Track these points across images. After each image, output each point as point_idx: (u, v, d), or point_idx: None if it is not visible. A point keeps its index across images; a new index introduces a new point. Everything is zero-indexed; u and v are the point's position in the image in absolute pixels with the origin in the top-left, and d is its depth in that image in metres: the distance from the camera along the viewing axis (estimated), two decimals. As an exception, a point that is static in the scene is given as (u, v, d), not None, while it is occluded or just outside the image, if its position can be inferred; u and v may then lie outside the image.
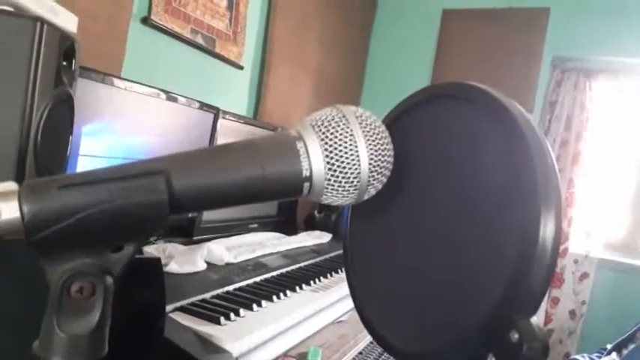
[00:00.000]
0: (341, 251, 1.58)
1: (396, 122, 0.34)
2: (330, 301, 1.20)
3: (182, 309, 0.92)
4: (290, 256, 1.47)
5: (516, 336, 0.26)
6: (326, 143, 0.33)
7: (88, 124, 1.05)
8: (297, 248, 1.59)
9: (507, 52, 2.55)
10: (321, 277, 1.31)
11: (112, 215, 0.27)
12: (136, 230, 0.29)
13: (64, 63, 0.70)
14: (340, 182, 0.33)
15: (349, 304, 1.28)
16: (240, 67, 1.87)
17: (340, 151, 0.33)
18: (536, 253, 0.26)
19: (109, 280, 0.29)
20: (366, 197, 0.34)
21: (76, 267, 0.27)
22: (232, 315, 0.92)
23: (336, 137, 0.33)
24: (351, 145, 0.33)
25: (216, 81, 1.80)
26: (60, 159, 0.73)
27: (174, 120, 1.32)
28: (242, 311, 0.95)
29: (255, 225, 1.69)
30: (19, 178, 0.61)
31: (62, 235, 0.27)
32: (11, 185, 0.27)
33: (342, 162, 0.33)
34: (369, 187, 0.34)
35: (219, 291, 1.04)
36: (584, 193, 2.39)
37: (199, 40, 1.64)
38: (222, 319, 0.89)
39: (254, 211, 1.72)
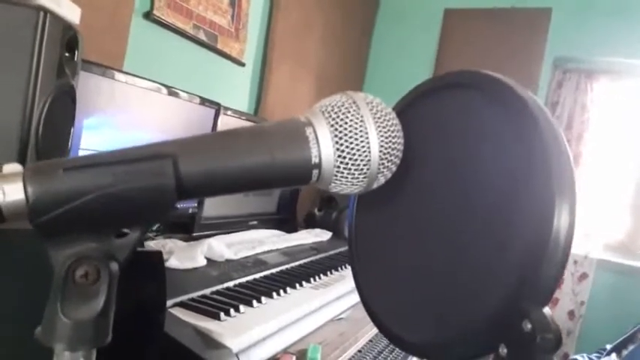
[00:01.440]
0: (341, 249, 1.59)
1: (405, 111, 0.34)
2: (329, 299, 1.20)
3: (182, 304, 0.92)
4: (290, 253, 1.47)
5: (529, 326, 0.26)
6: (336, 129, 0.32)
7: (89, 117, 1.05)
8: (296, 246, 1.58)
9: (509, 52, 2.54)
10: (321, 275, 1.31)
11: (117, 199, 0.27)
12: (141, 215, 0.29)
13: (67, 54, 0.69)
14: (350, 169, 0.32)
15: (349, 301, 1.28)
16: (242, 64, 1.87)
17: (350, 137, 0.32)
18: (550, 242, 0.26)
19: (114, 265, 0.28)
20: (375, 186, 0.34)
21: (81, 251, 0.27)
22: (232, 311, 0.91)
23: (346, 123, 0.32)
24: (361, 131, 0.32)
25: (218, 77, 1.80)
26: (61, 151, 0.72)
27: (176, 115, 1.31)
28: (242, 307, 0.94)
29: (255, 222, 1.69)
30: (20, 169, 0.60)
31: (67, 218, 0.26)
32: (16, 167, 0.27)
33: (352, 149, 0.32)
34: (379, 175, 0.33)
35: (219, 287, 1.04)
36: (585, 194, 2.39)
37: (201, 36, 1.64)
38: (222, 314, 0.89)
39: (254, 208, 1.71)
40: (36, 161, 0.64)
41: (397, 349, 1.47)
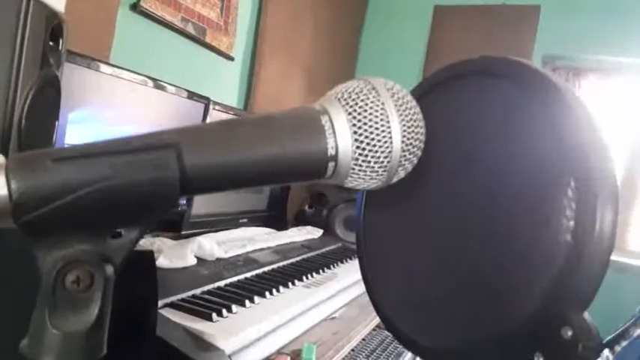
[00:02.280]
0: (332, 247, 1.56)
1: (422, 99, 0.31)
2: (322, 297, 1.18)
3: (172, 305, 0.89)
4: (281, 251, 1.44)
5: (569, 333, 0.24)
6: (354, 118, 0.29)
7: (74, 111, 1.01)
8: (287, 244, 1.56)
9: (498, 48, 2.54)
10: (313, 273, 1.29)
11: (114, 194, 0.24)
12: (141, 212, 0.26)
13: (51, 43, 0.65)
14: (369, 162, 0.29)
15: (342, 300, 1.26)
16: (231, 58, 1.83)
17: (370, 126, 0.29)
18: (593, 242, 0.24)
19: (110, 269, 0.25)
20: (394, 180, 0.31)
21: (72, 254, 0.24)
22: (224, 311, 0.88)
23: (365, 111, 0.29)
24: (382, 120, 0.29)
25: (207, 71, 1.76)
26: (45, 145, 0.69)
27: (164, 109, 1.28)
28: (234, 307, 0.92)
29: (245, 220, 1.66)
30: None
31: (56, 216, 0.23)
32: None
33: (373, 139, 0.29)
34: (400, 168, 0.30)
35: (210, 286, 1.01)
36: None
37: (190, 29, 1.60)
38: (214, 315, 0.86)
39: (244, 205, 1.68)
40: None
41: (390, 347, 1.46)
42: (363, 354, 1.38)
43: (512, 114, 0.31)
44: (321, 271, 1.33)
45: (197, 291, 0.97)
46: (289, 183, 0.31)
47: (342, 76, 2.75)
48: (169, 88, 1.27)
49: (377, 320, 1.30)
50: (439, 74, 0.37)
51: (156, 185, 0.24)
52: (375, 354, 1.41)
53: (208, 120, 1.40)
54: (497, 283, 0.29)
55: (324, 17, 2.41)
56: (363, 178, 0.30)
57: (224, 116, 1.52)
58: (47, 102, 0.66)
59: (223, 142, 0.27)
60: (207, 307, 0.89)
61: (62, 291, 0.23)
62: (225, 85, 1.89)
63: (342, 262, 1.47)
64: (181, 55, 1.62)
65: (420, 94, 0.35)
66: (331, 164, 0.29)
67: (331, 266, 1.40)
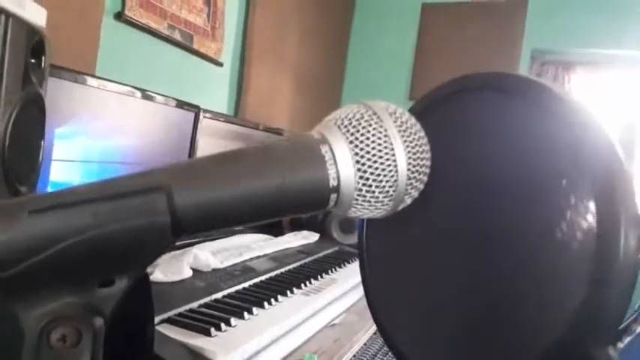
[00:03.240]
0: (329, 251, 1.55)
1: (422, 117, 0.29)
2: (322, 304, 1.16)
3: (169, 320, 0.87)
4: (278, 258, 1.43)
5: (596, 370, 0.22)
6: (356, 146, 0.27)
7: (61, 126, 0.99)
8: (284, 250, 1.54)
9: (487, 45, 2.54)
10: (312, 280, 1.27)
11: (100, 244, 0.22)
12: (130, 260, 0.24)
13: (33, 61, 0.63)
14: (373, 192, 0.28)
15: (342, 306, 1.25)
16: (220, 64, 1.81)
17: (374, 155, 0.27)
18: (617, 270, 0.22)
19: (99, 321, 0.23)
20: (400, 208, 0.29)
21: (56, 309, 0.22)
22: (223, 325, 0.87)
23: (368, 139, 0.27)
24: (386, 148, 0.28)
25: (195, 78, 1.74)
26: (31, 166, 0.66)
27: (153, 120, 1.25)
28: (233, 320, 0.90)
29: (240, 227, 1.64)
30: (-14, 189, 0.55)
31: (37, 272, 0.21)
32: None
33: (377, 168, 0.27)
34: (406, 196, 0.29)
35: (207, 299, 0.99)
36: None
37: (176, 36, 1.58)
38: (212, 329, 0.84)
39: (238, 212, 1.66)
40: (3, 179, 0.58)
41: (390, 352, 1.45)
42: (365, 359, 1.36)
43: (523, 131, 0.29)
44: (319, 276, 1.32)
45: (194, 305, 0.96)
46: (289, 216, 0.28)
47: (332, 78, 2.75)
48: (158, 98, 1.25)
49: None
50: (438, 91, 0.35)
51: (145, 232, 0.23)
52: (376, 359, 1.39)
53: (199, 128, 1.38)
54: (511, 313, 0.28)
55: (311, 19, 2.40)
56: (367, 209, 0.29)
57: (214, 124, 1.50)
58: (31, 122, 0.64)
59: (217, 178, 0.25)
60: (205, 322, 0.87)
61: (48, 350, 0.21)
62: (214, 92, 1.87)
63: (340, 267, 1.46)
64: (169, 63, 1.60)
65: (420, 111, 0.33)
66: (333, 195, 0.28)
67: (329, 271, 1.39)
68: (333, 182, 0.27)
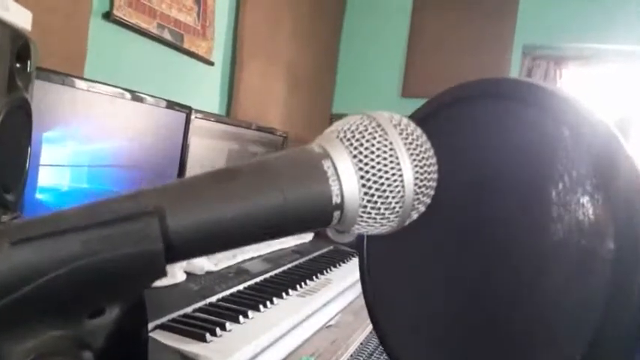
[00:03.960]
0: (323, 250, 1.54)
1: (426, 124, 0.28)
2: (318, 305, 1.16)
3: (163, 326, 0.86)
4: (272, 259, 1.42)
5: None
6: (360, 161, 0.26)
7: (49, 130, 0.97)
8: (278, 250, 1.53)
9: (479, 40, 2.54)
10: (307, 280, 1.26)
11: (90, 274, 0.21)
12: (122, 289, 0.22)
13: (18, 65, 0.62)
14: (379, 209, 0.26)
15: (337, 306, 1.24)
16: (211, 63, 1.79)
17: (379, 170, 0.26)
18: (637, 283, 0.21)
19: (87, 356, 0.21)
20: (406, 224, 0.28)
21: (41, 344, 0.20)
22: (218, 330, 0.86)
23: (372, 153, 0.26)
24: (392, 162, 0.26)
25: (186, 78, 1.72)
26: (17, 173, 0.65)
27: (144, 122, 1.24)
28: (228, 325, 0.89)
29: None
30: (-29, 199, 0.53)
31: (21, 306, 0.20)
32: None
33: (382, 184, 0.26)
34: (412, 212, 0.27)
35: (201, 304, 0.98)
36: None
37: (166, 35, 1.55)
38: (207, 335, 0.83)
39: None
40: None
41: (387, 350, 1.45)
42: (361, 359, 1.36)
43: (530, 138, 0.28)
44: (314, 277, 1.31)
45: (188, 309, 0.94)
46: (290, 235, 0.27)
47: (324, 76, 2.73)
48: (148, 99, 1.23)
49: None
50: (441, 97, 0.34)
51: (137, 260, 0.21)
52: (373, 357, 1.39)
53: (191, 129, 1.37)
54: (524, 335, 0.26)
55: (302, 16, 2.38)
56: (372, 225, 0.27)
57: (206, 125, 1.48)
58: (17, 128, 0.62)
59: (212, 199, 0.24)
60: (200, 327, 0.86)
61: None
62: (205, 91, 1.85)
63: (335, 267, 1.45)
64: (159, 63, 1.57)
65: (422, 118, 0.32)
66: (337, 213, 0.26)
67: (324, 271, 1.38)
68: (336, 199, 0.26)
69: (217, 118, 1.61)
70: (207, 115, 1.50)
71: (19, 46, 0.61)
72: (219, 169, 0.25)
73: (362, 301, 1.31)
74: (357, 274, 1.40)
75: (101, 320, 0.22)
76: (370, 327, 1.30)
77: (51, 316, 0.21)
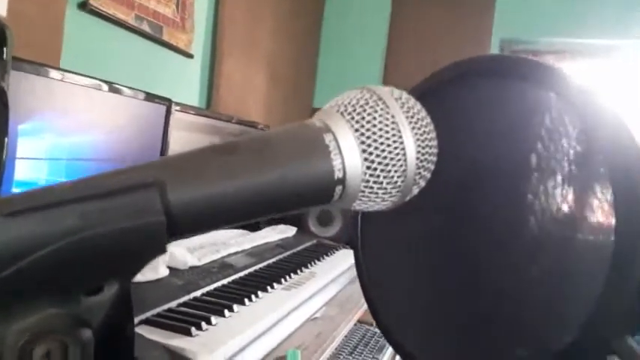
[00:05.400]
0: (307, 244, 1.54)
1: (425, 100, 0.28)
2: (303, 298, 1.15)
3: (148, 321, 0.84)
4: (256, 253, 1.41)
5: (616, 360, 0.21)
6: (362, 134, 0.26)
7: (24, 122, 0.94)
8: (262, 245, 1.52)
9: (457, 35, 2.57)
10: (291, 274, 1.26)
11: (88, 247, 0.20)
12: (121, 264, 0.22)
13: (-7, 52, 0.59)
14: (381, 183, 0.26)
15: (322, 299, 1.24)
16: (190, 56, 1.77)
17: (382, 143, 0.25)
18: (638, 257, 0.22)
19: (87, 333, 0.20)
20: (406, 199, 0.28)
21: (38, 323, 0.19)
22: (203, 324, 0.84)
23: (374, 126, 0.26)
24: (394, 135, 0.26)
25: (166, 71, 1.69)
26: (-5, 164, 0.63)
27: (123, 114, 1.21)
28: (213, 319, 0.88)
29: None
30: (-54, 190, 0.51)
31: (14, 282, 0.19)
32: None
33: (385, 157, 0.26)
34: (414, 186, 0.27)
35: (185, 298, 0.97)
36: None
37: (145, 27, 1.52)
38: (193, 329, 0.82)
39: (213, 207, 1.63)
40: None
41: (371, 341, 1.46)
42: (346, 351, 1.37)
43: (520, 109, 0.28)
44: (299, 271, 1.30)
45: (173, 304, 0.93)
46: (292, 211, 0.26)
47: (305, 69, 2.73)
48: (126, 90, 1.20)
49: (357, 316, 1.28)
50: (439, 74, 0.34)
51: (139, 233, 0.20)
52: (357, 349, 1.40)
53: (171, 123, 1.34)
54: (526, 310, 0.27)
55: (283, 9, 2.36)
56: (374, 201, 0.27)
57: (186, 118, 1.46)
58: (-6, 117, 0.60)
59: (213, 172, 0.23)
60: (185, 322, 0.84)
61: None
62: (185, 84, 1.82)
63: (318, 260, 1.45)
64: (138, 55, 1.54)
65: (420, 95, 0.32)
66: (338, 188, 0.26)
67: (308, 265, 1.38)
68: (338, 174, 0.25)
69: (197, 111, 1.58)
70: (187, 108, 1.47)
71: (-6, 32, 0.59)
72: (219, 143, 0.24)
73: (346, 294, 1.32)
74: (340, 268, 1.40)
75: (100, 298, 0.21)
76: (355, 319, 1.31)
77: (47, 293, 0.20)
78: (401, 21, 2.73)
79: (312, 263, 1.41)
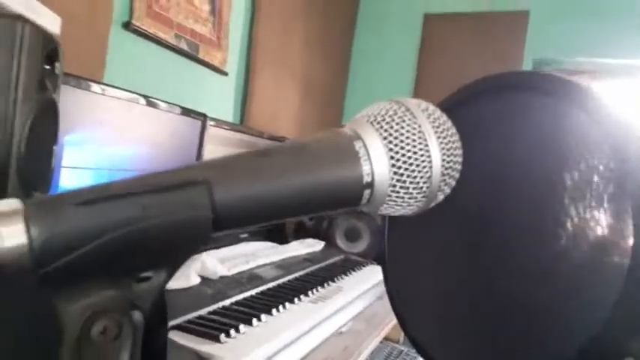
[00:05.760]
0: (335, 259, 1.55)
1: (453, 113, 0.30)
2: (330, 312, 1.16)
3: (179, 327, 0.87)
4: (284, 266, 1.42)
5: (633, 363, 0.22)
6: (390, 142, 0.28)
7: (70, 133, 0.99)
8: (290, 258, 1.54)
9: (489, 55, 2.56)
10: (318, 287, 1.27)
11: (145, 236, 0.22)
12: (170, 253, 0.24)
13: (47, 67, 0.64)
14: (407, 188, 0.28)
15: (349, 314, 1.24)
16: (225, 73, 1.83)
17: (408, 151, 0.28)
18: None
19: (138, 315, 0.23)
20: (431, 205, 0.29)
21: (97, 303, 0.22)
22: (232, 331, 0.86)
23: (402, 135, 0.28)
24: (420, 144, 0.28)
25: (201, 87, 1.75)
26: (44, 171, 0.67)
27: (160, 128, 1.26)
28: (242, 327, 0.90)
29: (246, 235, 1.64)
30: (1, 194, 0.55)
31: (81, 264, 0.21)
32: (14, 203, 0.21)
33: (412, 164, 0.28)
34: (439, 193, 0.29)
35: (215, 306, 0.99)
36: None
37: (183, 45, 1.59)
38: (222, 336, 0.84)
39: (243, 220, 1.66)
40: (17, 183, 0.59)
41: (399, 358, 1.44)
42: (372, 368, 1.36)
43: (547, 126, 0.30)
44: (326, 284, 1.31)
45: (203, 311, 0.95)
46: (323, 212, 0.29)
47: (335, 86, 2.76)
48: (163, 105, 1.25)
49: (384, 333, 1.28)
50: (467, 88, 0.35)
51: (187, 225, 0.23)
52: (383, 366, 1.39)
53: (206, 137, 1.39)
54: (544, 313, 0.27)
55: (314, 27, 2.42)
56: (400, 205, 0.29)
57: (220, 133, 1.51)
58: (46, 128, 0.64)
59: (255, 174, 0.26)
60: (214, 328, 0.87)
61: (88, 342, 0.22)
62: (219, 100, 1.88)
63: (345, 275, 1.46)
64: (176, 72, 1.61)
65: (447, 107, 0.33)
66: (367, 192, 0.28)
67: (335, 279, 1.38)
68: (367, 178, 0.27)
69: (231, 127, 1.63)
70: (221, 123, 1.52)
71: (49, 48, 0.63)
72: (259, 149, 0.27)
73: (373, 310, 1.31)
74: (368, 283, 1.40)
75: (149, 284, 0.24)
76: (381, 335, 1.30)
77: (105, 276, 0.22)
78: (432, 39, 2.74)
79: (340, 278, 1.41)
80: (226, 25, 1.81)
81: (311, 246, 1.74)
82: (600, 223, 0.28)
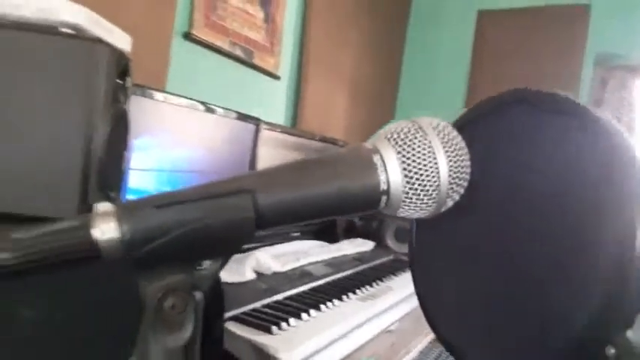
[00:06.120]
0: (384, 259, 1.57)
1: (467, 128, 0.34)
2: (378, 310, 1.19)
3: (235, 318, 0.93)
4: (334, 264, 1.47)
5: (612, 351, 0.25)
6: (403, 156, 0.33)
7: (136, 138, 1.08)
8: (340, 257, 1.58)
9: (546, 51, 2.48)
10: (367, 286, 1.30)
11: (205, 232, 0.29)
12: (224, 246, 0.31)
13: (120, 81, 0.72)
14: (419, 195, 0.33)
15: (397, 313, 1.26)
16: (277, 78, 1.90)
17: (419, 163, 0.33)
18: (634, 261, 0.25)
19: (199, 295, 0.30)
20: (443, 209, 0.34)
21: (169, 283, 0.29)
22: (284, 324, 0.92)
23: (413, 149, 0.33)
24: (429, 157, 0.33)
25: (255, 92, 1.83)
26: (118, 174, 0.75)
27: (217, 132, 1.34)
28: (292, 320, 0.95)
29: (297, 233, 1.70)
30: (83, 194, 0.63)
31: (159, 252, 0.28)
32: (107, 206, 0.29)
33: (421, 175, 0.33)
34: (448, 199, 0.34)
35: (268, 300, 1.05)
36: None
37: (238, 52, 1.67)
38: (274, 328, 0.89)
39: (295, 219, 1.72)
40: (97, 185, 0.67)
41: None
42: (423, 365, 1.37)
43: (564, 150, 0.32)
44: (374, 284, 1.34)
45: (257, 304, 1.01)
46: (348, 215, 0.35)
47: (386, 88, 2.77)
48: (219, 110, 1.33)
49: (433, 334, 1.29)
50: (479, 107, 0.39)
51: (236, 224, 0.30)
52: (434, 365, 1.39)
53: (260, 140, 1.46)
54: (544, 307, 0.31)
55: (366, 29, 2.45)
56: (414, 209, 0.34)
57: (274, 136, 1.57)
58: (119, 135, 0.72)
59: (290, 183, 0.32)
60: (267, 321, 0.92)
61: (162, 313, 0.29)
62: (273, 104, 1.95)
63: (395, 275, 1.48)
64: (231, 78, 1.69)
65: (465, 122, 0.37)
66: (384, 197, 0.33)
67: (384, 279, 1.41)
68: (383, 186, 0.33)
69: (283, 129, 1.70)
70: (274, 127, 1.59)
71: (122, 65, 0.71)
72: (295, 161, 0.32)
73: (421, 312, 1.32)
74: (417, 283, 1.40)
75: (207, 271, 0.31)
76: (430, 336, 1.31)
77: (174, 263, 0.30)
78: (486, 36, 2.69)
79: (389, 277, 1.44)
80: (279, 31, 1.88)
81: (361, 245, 1.77)
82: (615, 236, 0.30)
